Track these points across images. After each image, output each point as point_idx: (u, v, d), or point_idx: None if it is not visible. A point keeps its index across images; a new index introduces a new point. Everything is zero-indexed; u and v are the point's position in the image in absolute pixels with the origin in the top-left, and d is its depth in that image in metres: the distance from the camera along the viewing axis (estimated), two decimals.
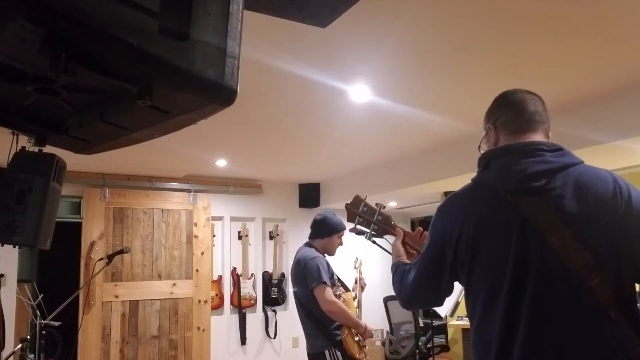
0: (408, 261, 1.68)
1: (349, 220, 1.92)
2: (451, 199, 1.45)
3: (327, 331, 2.99)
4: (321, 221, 3.23)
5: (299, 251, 3.22)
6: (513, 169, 1.31)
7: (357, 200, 1.90)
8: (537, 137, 1.37)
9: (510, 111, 1.42)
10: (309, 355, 3.12)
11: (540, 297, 1.22)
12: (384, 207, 1.88)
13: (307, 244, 3.25)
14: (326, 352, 2.96)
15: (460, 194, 1.44)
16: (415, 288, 1.47)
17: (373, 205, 1.88)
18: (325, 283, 2.96)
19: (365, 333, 3.06)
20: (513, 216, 1.27)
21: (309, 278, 3.00)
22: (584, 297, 1.20)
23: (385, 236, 1.87)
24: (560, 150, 1.32)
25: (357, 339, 3.03)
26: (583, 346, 1.20)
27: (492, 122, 1.46)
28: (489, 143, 1.48)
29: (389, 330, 6.32)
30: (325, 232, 3.22)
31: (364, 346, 3.08)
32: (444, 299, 1.48)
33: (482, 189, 1.39)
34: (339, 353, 2.95)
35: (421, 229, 1.82)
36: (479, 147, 1.52)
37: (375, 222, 1.85)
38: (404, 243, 1.78)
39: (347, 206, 1.92)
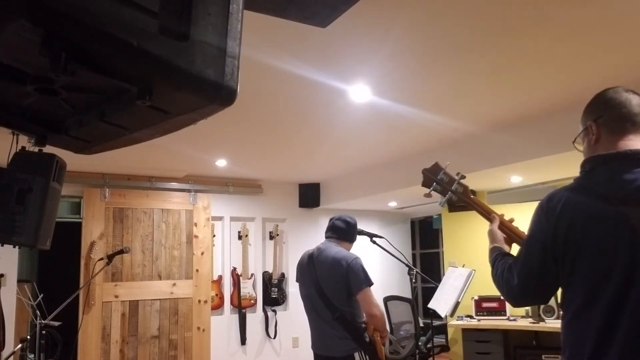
0: (507, 248, 1.67)
1: (424, 185, 1.89)
2: (555, 198, 1.42)
3: (356, 333, 2.91)
4: (355, 226, 3.17)
5: (326, 251, 3.05)
6: (623, 177, 1.31)
7: (436, 168, 1.88)
8: None
9: (613, 110, 1.40)
10: (328, 359, 2.98)
11: None
12: (464, 177, 1.86)
13: (333, 244, 3.11)
14: (356, 354, 2.88)
15: (565, 194, 1.41)
16: (523, 285, 1.46)
17: (453, 174, 1.86)
18: (371, 285, 2.91)
19: (384, 337, 3.02)
20: (621, 224, 1.28)
21: (357, 279, 2.89)
22: None
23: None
24: None
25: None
26: None
27: (594, 119, 1.43)
28: (589, 141, 1.46)
29: (389, 330, 6.32)
30: (355, 236, 3.20)
31: None
32: (551, 296, 1.48)
33: (588, 192, 1.37)
34: (367, 356, 2.89)
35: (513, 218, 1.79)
36: (574, 141, 1.50)
37: (453, 192, 1.84)
38: (500, 226, 1.74)
39: (424, 171, 1.89)
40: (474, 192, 5.49)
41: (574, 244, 1.34)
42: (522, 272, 1.46)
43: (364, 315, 2.98)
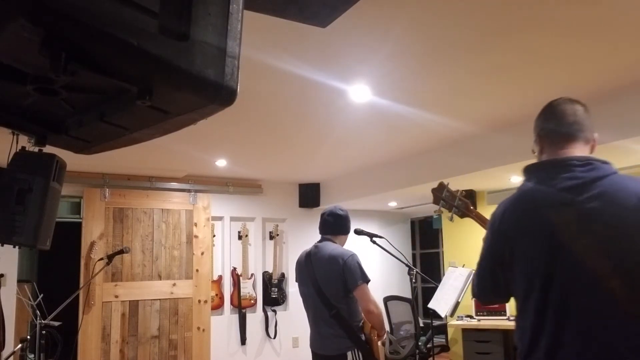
0: None
1: (434, 202, 2.23)
2: (501, 205, 1.59)
3: (352, 332, 2.90)
4: (347, 217, 3.18)
5: (323, 248, 3.07)
6: (548, 183, 1.46)
7: (441, 187, 2.20)
8: (576, 147, 1.51)
9: (550, 123, 1.57)
10: (325, 357, 2.98)
11: (564, 298, 1.37)
12: (463, 193, 2.18)
13: (328, 240, 3.12)
14: (349, 353, 2.87)
15: (507, 202, 1.57)
16: (480, 287, 1.63)
17: (454, 191, 2.19)
18: (368, 281, 2.92)
19: (382, 335, 3.02)
20: (545, 226, 1.42)
21: (352, 276, 2.89)
22: (606, 299, 1.32)
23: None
24: (590, 164, 1.43)
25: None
26: (602, 341, 1.32)
27: (537, 132, 1.61)
28: (537, 151, 1.63)
29: (389, 330, 6.32)
30: (349, 228, 3.21)
31: None
32: (507, 296, 1.61)
33: (522, 199, 1.52)
34: (361, 355, 2.89)
35: None
36: (533, 150, 1.67)
37: (455, 207, 2.14)
38: None
39: (433, 190, 2.23)
40: (474, 194, 5.50)
41: (511, 248, 1.50)
42: (478, 275, 1.63)
43: (362, 313, 2.99)
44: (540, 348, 1.39)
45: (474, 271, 1.69)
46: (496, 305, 5.12)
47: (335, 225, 3.16)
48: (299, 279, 3.22)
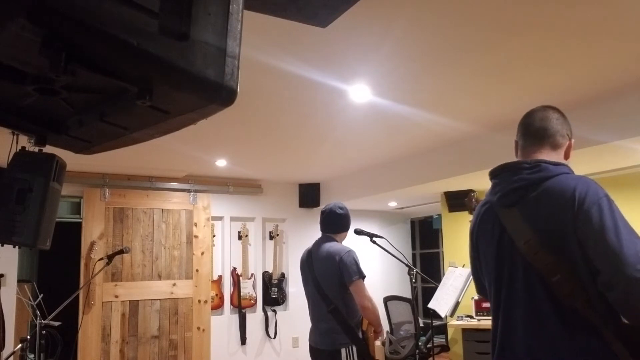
0: None
1: (469, 212, 2.38)
2: (476, 208, 1.72)
3: (349, 328, 2.94)
4: (346, 215, 3.21)
5: (322, 245, 3.12)
6: (500, 186, 1.57)
7: (470, 197, 2.43)
8: (541, 151, 1.59)
9: (520, 130, 1.68)
10: (319, 351, 3.03)
11: (510, 294, 1.47)
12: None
13: (328, 238, 3.17)
14: (343, 350, 2.91)
15: (479, 204, 1.70)
16: (475, 283, 1.77)
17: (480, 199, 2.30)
18: (364, 277, 2.96)
19: (379, 332, 3.05)
20: (497, 227, 1.54)
21: (348, 271, 2.94)
22: (546, 293, 1.40)
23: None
24: (537, 167, 1.51)
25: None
26: (542, 335, 1.40)
27: (515, 140, 1.71)
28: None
29: (389, 330, 6.32)
30: (348, 225, 3.24)
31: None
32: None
33: (483, 202, 1.66)
34: (355, 351, 2.91)
35: None
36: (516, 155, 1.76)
37: None
38: None
39: (465, 201, 2.48)
40: (473, 191, 5.49)
41: (476, 249, 1.64)
42: (472, 275, 1.77)
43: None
44: (496, 346, 1.49)
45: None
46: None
47: (334, 222, 3.21)
48: (302, 276, 3.29)
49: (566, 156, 1.60)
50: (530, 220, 1.44)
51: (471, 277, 4.34)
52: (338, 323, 2.95)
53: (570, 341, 1.36)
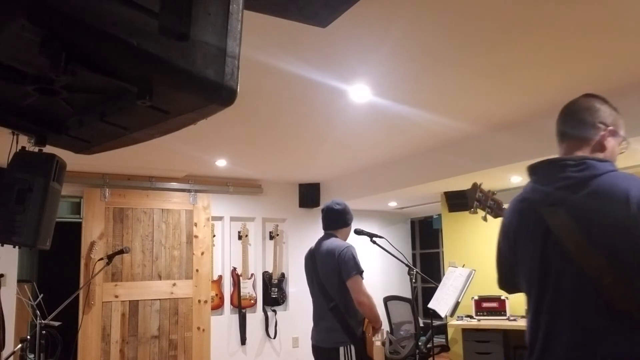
0: None
1: (469, 204, 2.26)
2: (510, 203, 1.64)
3: (348, 326, 2.94)
4: (344, 210, 3.22)
5: (323, 243, 3.15)
6: (542, 184, 1.50)
7: (474, 187, 2.23)
8: (578, 145, 1.52)
9: (558, 121, 1.61)
10: (318, 349, 3.05)
11: (556, 297, 1.41)
12: (495, 193, 2.20)
13: (329, 235, 3.19)
14: (341, 348, 2.91)
15: (514, 200, 1.61)
16: (500, 278, 1.70)
17: (487, 191, 2.22)
18: (362, 273, 2.97)
19: (378, 328, 3.06)
20: (539, 226, 1.46)
21: (346, 268, 2.95)
22: (597, 296, 1.33)
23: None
24: (583, 164, 1.44)
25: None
26: (591, 338, 1.34)
27: (557, 133, 1.63)
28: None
29: (389, 330, 6.32)
30: (349, 220, 3.24)
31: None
32: (519, 290, 1.65)
33: (522, 199, 1.57)
34: (353, 350, 2.91)
35: None
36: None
37: (488, 206, 2.17)
38: None
39: (466, 192, 2.27)
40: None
41: (512, 248, 1.57)
42: (497, 269, 1.70)
43: None
44: (537, 347, 1.43)
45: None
46: (496, 305, 5.12)
47: (333, 219, 3.23)
48: (306, 274, 3.30)
49: (603, 148, 1.51)
50: (579, 221, 1.38)
51: (471, 277, 4.32)
52: (338, 321, 2.96)
53: (622, 346, 1.30)
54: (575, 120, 1.56)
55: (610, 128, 1.54)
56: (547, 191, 1.46)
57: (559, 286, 1.40)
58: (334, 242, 3.11)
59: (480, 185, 2.21)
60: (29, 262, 5.63)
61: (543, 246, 1.44)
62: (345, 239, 3.22)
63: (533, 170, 1.56)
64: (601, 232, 1.35)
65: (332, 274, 3.01)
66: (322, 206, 3.33)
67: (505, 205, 2.09)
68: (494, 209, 2.17)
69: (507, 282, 1.68)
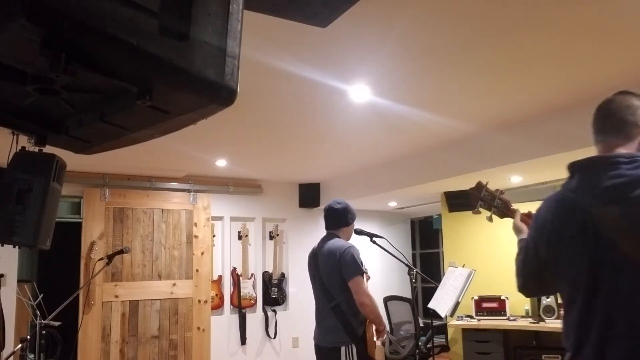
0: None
1: (471, 203, 2.12)
2: (545, 202, 1.57)
3: (349, 325, 2.95)
4: (344, 209, 3.22)
5: (326, 243, 3.15)
6: (591, 182, 1.42)
7: (479, 186, 2.10)
8: (620, 144, 1.46)
9: (598, 120, 1.54)
10: (320, 348, 3.05)
11: (612, 295, 1.34)
12: (502, 192, 2.07)
13: (331, 235, 3.19)
14: (342, 348, 2.92)
15: (552, 199, 1.54)
16: (524, 281, 1.62)
17: (493, 190, 2.08)
18: (363, 274, 2.97)
19: (382, 331, 3.05)
20: (589, 226, 1.39)
21: (347, 268, 2.95)
22: None
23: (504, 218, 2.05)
24: (636, 161, 1.38)
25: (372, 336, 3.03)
26: None
27: (592, 130, 1.57)
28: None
29: (389, 330, 6.32)
30: (350, 219, 3.24)
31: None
32: (551, 292, 1.62)
33: (568, 197, 1.49)
34: (354, 350, 2.91)
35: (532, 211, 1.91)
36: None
37: (494, 206, 2.05)
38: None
39: (470, 190, 2.12)
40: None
41: (553, 247, 1.48)
42: (522, 270, 1.61)
43: None
44: (586, 349, 1.37)
45: (520, 261, 1.63)
46: (496, 305, 5.12)
47: (334, 219, 3.23)
48: (309, 274, 3.31)
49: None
50: (635, 220, 1.32)
51: (471, 277, 4.31)
52: (339, 321, 2.96)
53: None
54: (616, 119, 1.49)
55: None
56: (598, 189, 1.38)
57: (614, 286, 1.34)
58: (336, 242, 3.11)
59: (486, 184, 2.10)
60: (29, 262, 5.63)
61: (595, 249, 1.37)
62: (347, 238, 3.22)
63: (577, 167, 1.48)
64: None
65: (333, 274, 3.02)
66: (325, 206, 3.31)
67: (515, 206, 2.00)
68: (501, 209, 2.05)
69: (535, 285, 1.61)
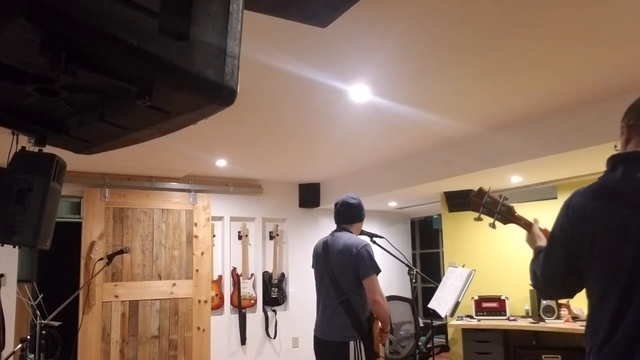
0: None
1: (472, 209, 2.06)
2: (577, 195, 1.51)
3: (358, 321, 2.96)
4: (358, 205, 3.22)
5: (340, 237, 3.12)
6: (636, 175, 1.39)
7: (481, 192, 2.05)
8: None
9: (636, 115, 1.50)
10: (326, 343, 3.03)
11: None
12: (507, 198, 2.02)
13: (343, 229, 3.18)
14: (351, 342, 2.92)
15: (586, 191, 1.49)
16: (547, 280, 1.59)
17: (496, 196, 2.03)
18: (379, 272, 3.00)
19: (387, 332, 3.07)
20: (632, 219, 1.35)
21: (364, 265, 2.97)
22: None
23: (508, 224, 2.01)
24: None
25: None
26: None
27: (626, 123, 1.53)
28: (622, 142, 1.54)
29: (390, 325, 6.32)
30: (363, 215, 3.25)
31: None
32: (575, 291, 1.57)
33: (606, 190, 1.45)
34: (362, 345, 2.93)
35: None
36: (615, 146, 1.58)
37: (498, 212, 2.01)
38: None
39: (471, 196, 2.07)
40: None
41: (588, 242, 1.42)
42: (546, 269, 1.57)
43: (369, 305, 3.03)
44: (616, 344, 1.34)
45: (541, 261, 1.60)
46: (496, 305, 5.12)
47: (347, 214, 3.22)
48: (315, 266, 3.29)
49: None
50: None
51: (471, 277, 4.31)
52: (348, 316, 2.97)
53: None
54: None
55: None
56: (639, 186, 1.36)
57: None
58: (351, 238, 3.11)
59: (489, 189, 2.04)
60: (29, 262, 5.64)
61: (637, 243, 1.33)
62: (357, 234, 3.23)
63: (620, 159, 1.45)
64: None
65: (347, 270, 3.01)
66: (335, 200, 3.30)
67: (519, 212, 1.96)
68: (505, 215, 2.01)
69: (559, 285, 1.57)
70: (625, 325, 1.32)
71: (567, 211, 1.50)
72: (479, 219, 2.05)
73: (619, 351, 1.33)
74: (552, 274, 1.57)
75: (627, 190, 1.38)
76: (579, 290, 1.55)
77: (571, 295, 1.60)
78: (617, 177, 1.42)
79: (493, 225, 2.02)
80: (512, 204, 2.01)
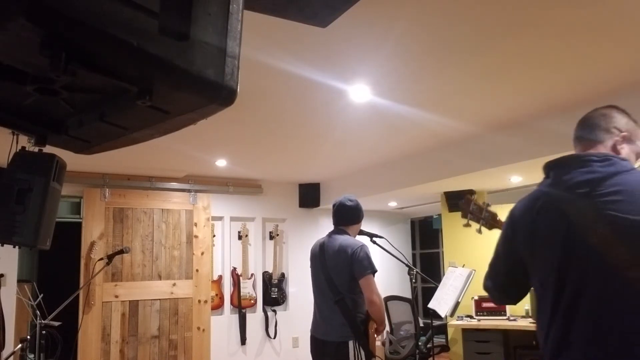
0: None
1: (462, 217, 2.26)
2: (518, 202, 1.62)
3: (355, 321, 2.97)
4: (356, 207, 3.24)
5: (336, 238, 3.15)
6: (563, 178, 1.48)
7: (467, 200, 2.25)
8: (592, 146, 1.55)
9: (577, 125, 1.64)
10: (325, 343, 3.04)
11: (578, 289, 1.37)
12: (489, 205, 2.21)
13: (340, 231, 3.20)
14: (350, 342, 2.94)
15: (526, 198, 1.59)
16: (495, 286, 1.67)
17: (481, 203, 2.22)
18: (375, 272, 3.01)
19: (382, 330, 3.08)
20: (560, 219, 1.44)
21: (360, 266, 2.98)
22: (622, 290, 1.31)
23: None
24: (608, 160, 1.45)
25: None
26: (615, 334, 1.31)
27: (573, 138, 1.66)
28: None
29: (389, 330, 6.32)
30: (361, 216, 3.27)
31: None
32: (519, 297, 1.66)
33: (540, 195, 1.54)
34: (361, 346, 2.94)
35: None
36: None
37: (482, 218, 2.18)
38: None
39: (460, 204, 2.27)
40: (473, 192, 5.50)
41: (528, 247, 1.52)
42: (493, 275, 1.67)
43: (365, 305, 3.04)
44: (549, 344, 1.41)
45: (489, 266, 1.68)
46: (495, 305, 5.12)
47: (345, 215, 3.23)
48: (311, 266, 3.31)
49: (617, 153, 1.52)
50: (604, 213, 1.36)
51: (471, 277, 4.32)
52: (344, 316, 2.98)
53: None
54: (590, 124, 1.59)
55: (625, 134, 1.55)
56: (571, 185, 1.44)
57: (580, 281, 1.37)
58: (348, 239, 3.12)
59: (474, 197, 2.24)
60: (29, 262, 5.64)
61: (563, 240, 1.41)
62: (354, 235, 3.24)
63: (552, 165, 1.54)
64: (628, 226, 1.33)
65: (343, 270, 3.03)
66: (334, 201, 3.31)
67: (501, 218, 2.07)
68: (489, 221, 2.17)
69: (504, 287, 1.65)
70: (556, 328, 1.40)
71: (510, 218, 1.61)
72: (467, 225, 2.23)
73: (549, 354, 1.41)
74: (497, 280, 1.66)
75: (555, 195, 1.48)
76: (523, 294, 1.64)
77: (515, 301, 1.68)
78: (549, 182, 1.53)
79: (479, 231, 2.18)
80: (495, 211, 2.17)
